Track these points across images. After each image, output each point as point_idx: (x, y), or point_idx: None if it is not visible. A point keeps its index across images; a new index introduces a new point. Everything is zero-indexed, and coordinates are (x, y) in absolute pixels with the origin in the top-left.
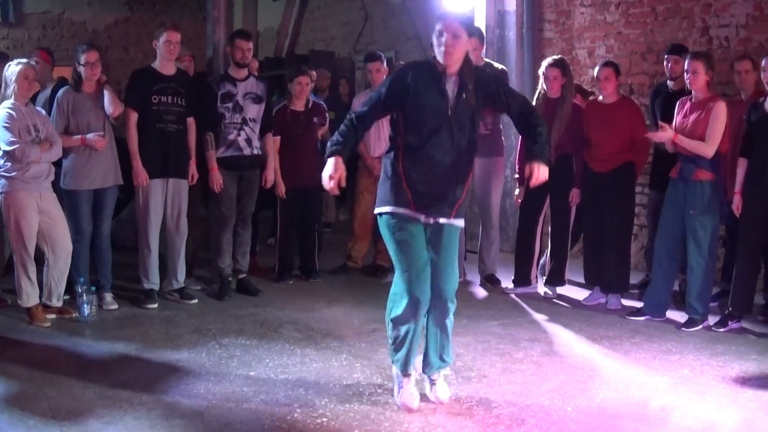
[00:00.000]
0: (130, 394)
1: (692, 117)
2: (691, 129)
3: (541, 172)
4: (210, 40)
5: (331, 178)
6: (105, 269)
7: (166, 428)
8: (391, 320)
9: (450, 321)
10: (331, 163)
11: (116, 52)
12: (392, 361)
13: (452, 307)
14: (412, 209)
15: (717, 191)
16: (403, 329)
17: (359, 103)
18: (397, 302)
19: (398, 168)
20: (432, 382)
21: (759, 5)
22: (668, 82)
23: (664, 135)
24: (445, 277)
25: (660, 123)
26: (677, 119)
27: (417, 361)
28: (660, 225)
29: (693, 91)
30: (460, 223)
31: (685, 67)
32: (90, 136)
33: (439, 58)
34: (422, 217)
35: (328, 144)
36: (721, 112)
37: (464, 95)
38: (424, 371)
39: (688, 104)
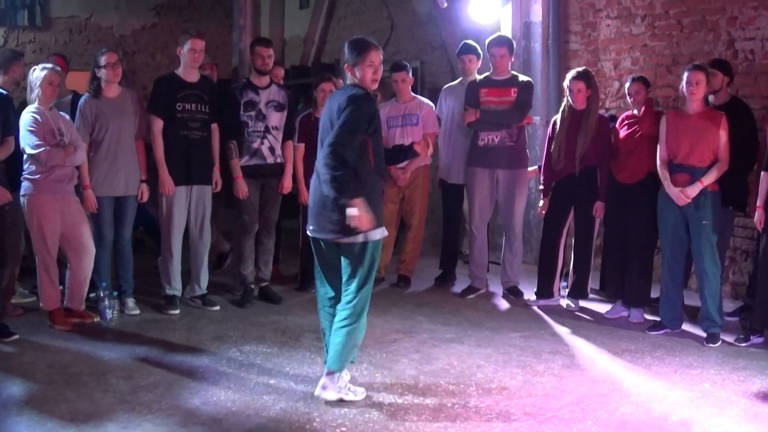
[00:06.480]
0: (150, 400)
1: (698, 129)
2: (696, 140)
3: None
4: (236, 47)
5: None
6: (127, 274)
7: None
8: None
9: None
10: None
11: (143, 57)
12: (346, 363)
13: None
14: None
15: (719, 201)
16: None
17: (384, 113)
18: (366, 309)
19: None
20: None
21: None
22: (708, 96)
23: (684, 198)
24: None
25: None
26: (665, 131)
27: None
28: (666, 236)
29: (690, 103)
30: None
31: (687, 78)
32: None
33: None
34: None
35: None
36: (726, 129)
37: None
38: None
39: (682, 115)
